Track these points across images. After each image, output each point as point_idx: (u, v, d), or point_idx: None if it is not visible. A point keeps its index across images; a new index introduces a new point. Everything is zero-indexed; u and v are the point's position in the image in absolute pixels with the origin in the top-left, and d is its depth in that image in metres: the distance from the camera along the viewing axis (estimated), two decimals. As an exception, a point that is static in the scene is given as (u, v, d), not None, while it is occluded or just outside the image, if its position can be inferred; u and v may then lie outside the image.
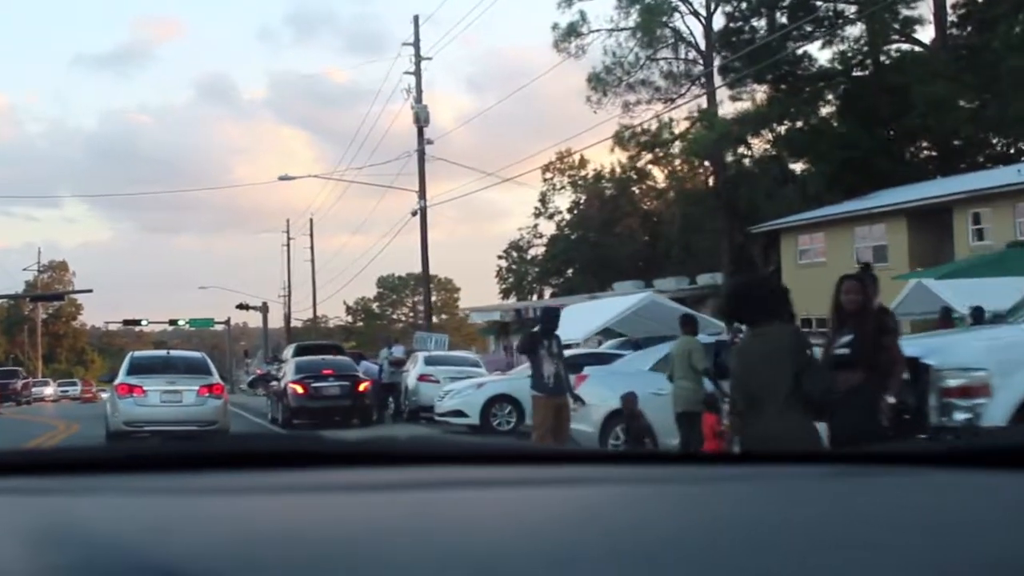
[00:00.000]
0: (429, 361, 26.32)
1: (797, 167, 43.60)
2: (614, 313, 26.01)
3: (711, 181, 61.69)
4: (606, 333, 28.50)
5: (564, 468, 1.51)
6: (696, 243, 62.71)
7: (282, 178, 38.65)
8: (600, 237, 68.40)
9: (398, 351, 25.72)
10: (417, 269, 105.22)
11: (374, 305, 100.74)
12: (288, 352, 37.79)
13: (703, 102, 43.20)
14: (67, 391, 73.32)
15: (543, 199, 72.50)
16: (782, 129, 42.02)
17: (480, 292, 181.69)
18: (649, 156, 44.86)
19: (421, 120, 39.12)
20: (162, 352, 22.50)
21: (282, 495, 1.22)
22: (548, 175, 71.91)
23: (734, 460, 1.88)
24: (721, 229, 42.01)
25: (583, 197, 73.27)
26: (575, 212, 73.36)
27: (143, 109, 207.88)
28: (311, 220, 71.59)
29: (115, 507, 1.14)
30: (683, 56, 43.34)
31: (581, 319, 27.18)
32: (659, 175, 70.38)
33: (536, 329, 12.69)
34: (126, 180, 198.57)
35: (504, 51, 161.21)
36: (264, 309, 62.72)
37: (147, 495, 1.21)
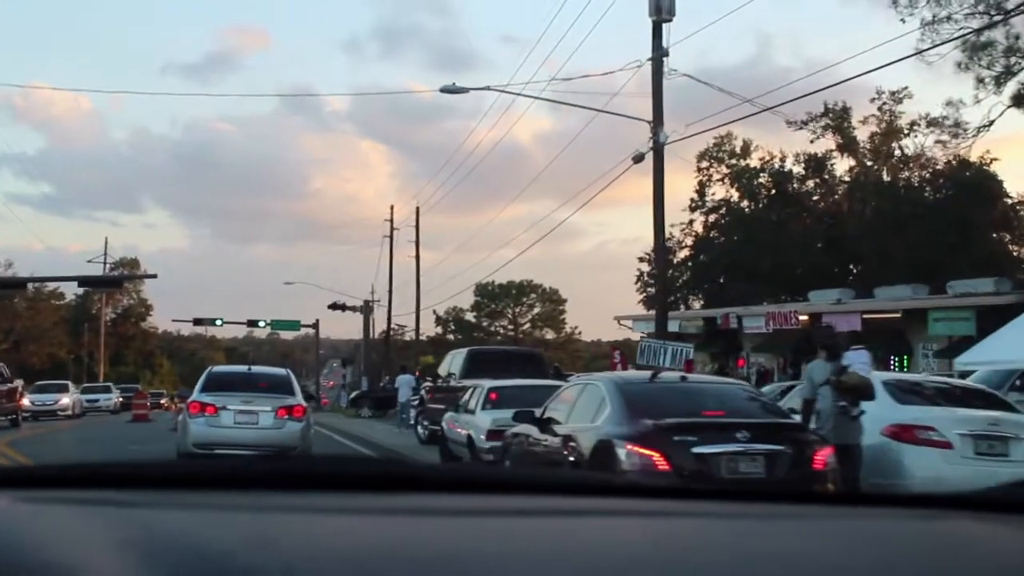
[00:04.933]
0: (906, 389, 10.63)
1: None
2: None
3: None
4: None
5: (652, 502, 1.46)
6: (899, 247, 47.01)
7: (444, 90, 23.14)
8: (772, 238, 52.52)
9: (860, 361, 9.96)
10: (519, 278, 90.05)
11: (469, 315, 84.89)
12: (454, 362, 22.18)
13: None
14: (97, 401, 48.59)
15: (700, 191, 56.56)
16: None
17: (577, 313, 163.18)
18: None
19: (663, 10, 23.53)
20: (243, 368, 18.96)
21: (376, 516, 1.21)
22: (703, 164, 56.34)
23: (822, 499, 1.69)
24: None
25: (734, 194, 57.21)
26: (724, 210, 57.24)
27: (226, 118, 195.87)
28: (417, 209, 55.74)
29: (213, 522, 1.13)
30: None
31: None
32: (841, 168, 54.69)
33: None
34: (207, 188, 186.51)
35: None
36: (366, 309, 47.29)
37: (243, 512, 1.19)
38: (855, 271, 52.81)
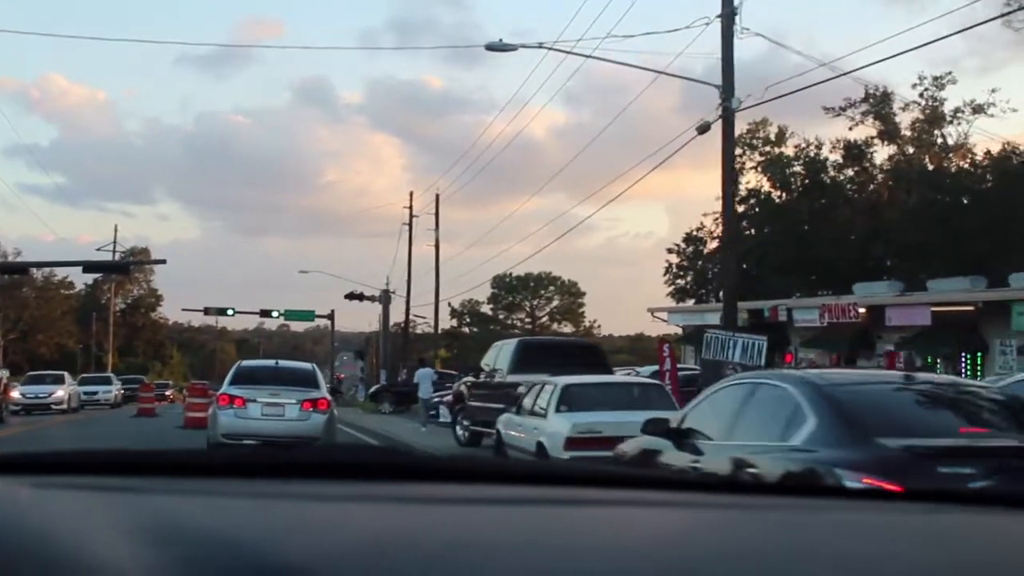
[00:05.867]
0: None
1: None
2: None
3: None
4: None
5: (641, 492, 1.45)
6: (945, 238, 44.09)
7: (490, 47, 20.41)
8: (806, 229, 49.65)
9: None
10: (536, 270, 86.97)
11: (485, 307, 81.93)
12: (500, 356, 19.24)
13: None
14: (95, 394, 43.35)
15: (734, 179, 53.54)
16: None
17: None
18: None
19: (732, -36, 20.86)
20: (271, 362, 19.55)
21: (390, 505, 1.20)
22: (737, 151, 53.31)
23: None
24: None
25: (765, 183, 54.33)
26: (754, 200, 54.41)
27: (240, 110, 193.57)
28: (436, 197, 52.79)
29: (223, 508, 1.12)
30: None
31: None
32: (880, 156, 51.68)
33: None
34: (220, 180, 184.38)
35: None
36: (385, 298, 44.43)
37: (256, 499, 1.18)
38: (890, 263, 49.91)
